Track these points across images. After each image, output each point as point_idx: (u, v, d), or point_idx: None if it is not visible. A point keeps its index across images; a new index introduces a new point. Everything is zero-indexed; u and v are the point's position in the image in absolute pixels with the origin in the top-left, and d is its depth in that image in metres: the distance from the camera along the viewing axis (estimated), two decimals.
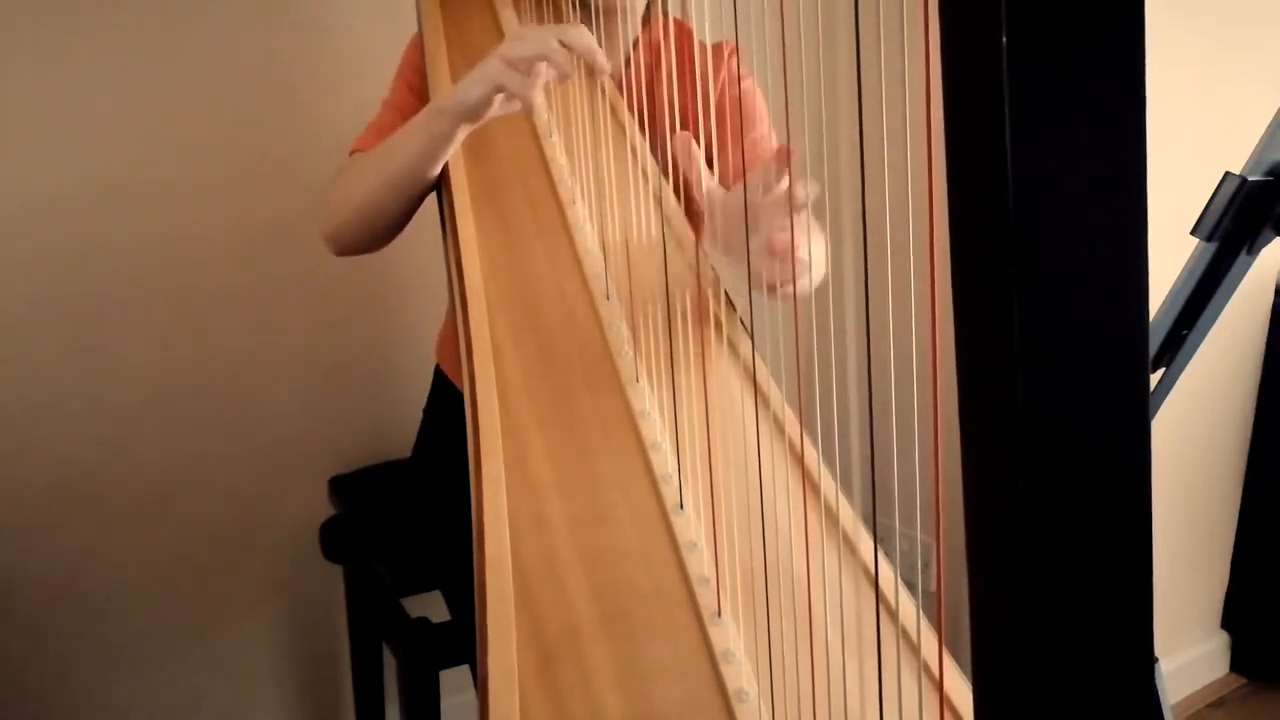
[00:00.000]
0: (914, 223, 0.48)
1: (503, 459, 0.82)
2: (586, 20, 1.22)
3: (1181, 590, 1.89)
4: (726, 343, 1.00)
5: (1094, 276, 0.34)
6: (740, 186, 0.89)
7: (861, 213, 0.59)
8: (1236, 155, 0.72)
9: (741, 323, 1.02)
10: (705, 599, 0.73)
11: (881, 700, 0.61)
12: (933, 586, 1.82)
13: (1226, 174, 0.69)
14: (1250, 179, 0.68)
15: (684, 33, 1.25)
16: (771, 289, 0.99)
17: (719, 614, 0.72)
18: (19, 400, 1.43)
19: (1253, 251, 0.71)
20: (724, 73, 1.25)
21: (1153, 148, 0.34)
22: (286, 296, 1.60)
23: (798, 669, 0.68)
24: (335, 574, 1.57)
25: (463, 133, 1.02)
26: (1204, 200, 0.70)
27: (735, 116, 1.21)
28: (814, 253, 1.10)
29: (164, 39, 1.46)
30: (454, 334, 0.99)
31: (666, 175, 1.12)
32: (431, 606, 1.33)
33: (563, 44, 0.95)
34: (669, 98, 1.12)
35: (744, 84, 1.24)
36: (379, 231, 1.13)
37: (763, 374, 0.95)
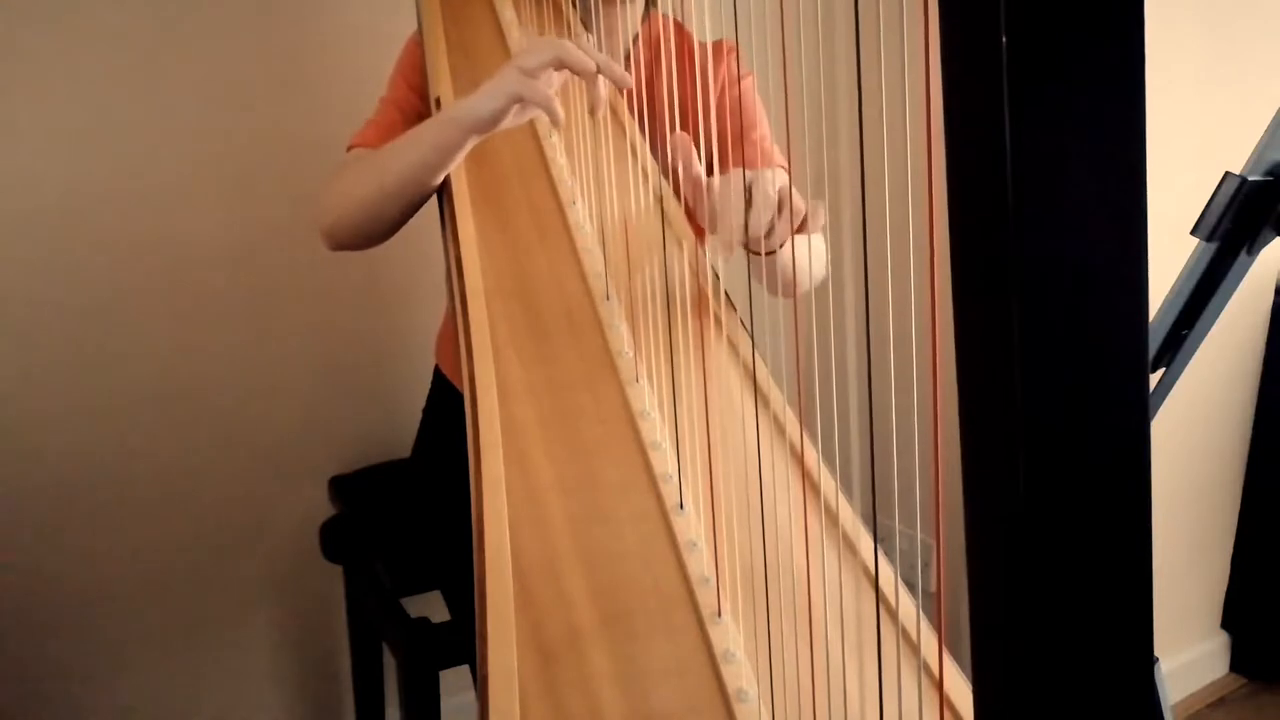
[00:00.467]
0: (914, 223, 0.48)
1: (502, 459, 0.82)
2: (586, 17, 1.22)
3: (1181, 590, 1.89)
4: (726, 342, 1.00)
5: (1094, 276, 0.34)
6: (735, 172, 0.89)
7: (862, 214, 0.59)
8: (1236, 155, 0.72)
9: (741, 323, 1.02)
10: (705, 599, 0.73)
11: (882, 700, 0.61)
12: (933, 586, 1.82)
13: (1226, 174, 0.69)
14: (1250, 179, 0.68)
15: (682, 32, 1.25)
16: (772, 280, 1.00)
17: (719, 614, 0.72)
18: (19, 400, 1.43)
19: (1253, 251, 0.70)
20: (723, 72, 1.25)
21: (1153, 148, 0.34)
22: (287, 297, 1.60)
23: (798, 669, 0.68)
24: (335, 574, 1.57)
25: (472, 143, 1.02)
26: (1204, 200, 0.70)
27: (736, 117, 1.21)
28: (814, 250, 1.10)
29: (164, 40, 1.46)
30: (454, 334, 0.99)
31: (666, 175, 1.12)
32: (431, 606, 1.33)
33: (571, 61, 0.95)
34: (669, 94, 1.12)
35: (743, 83, 1.24)
36: (376, 231, 1.13)
37: (763, 374, 0.95)
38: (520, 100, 0.96)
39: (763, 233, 0.89)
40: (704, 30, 1.25)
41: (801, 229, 0.90)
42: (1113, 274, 0.34)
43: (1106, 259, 0.34)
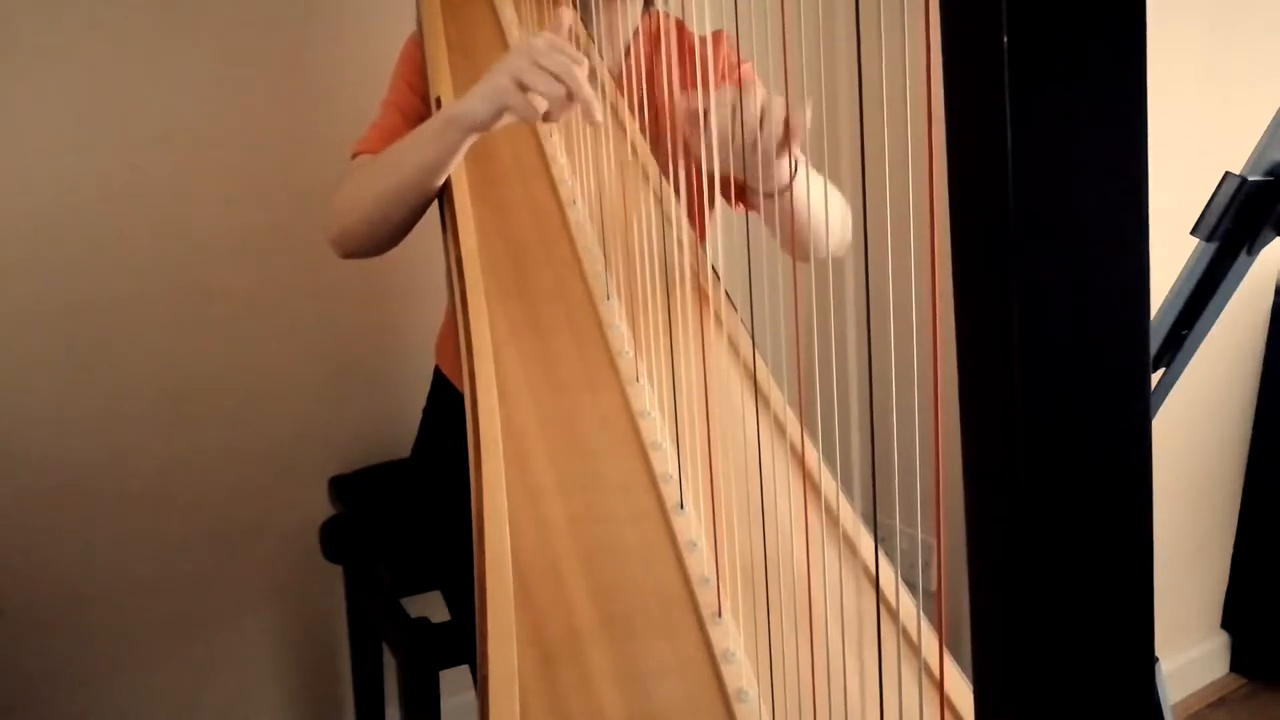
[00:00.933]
0: (915, 223, 0.48)
1: (503, 458, 0.82)
2: (586, 11, 1.22)
3: (1181, 590, 1.89)
4: (726, 342, 1.00)
5: (1094, 276, 0.34)
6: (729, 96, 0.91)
7: (862, 215, 0.59)
8: (1236, 155, 0.72)
9: (741, 322, 1.02)
10: (705, 599, 0.73)
11: (882, 700, 0.61)
12: (933, 586, 1.82)
13: (1226, 174, 0.69)
14: (1250, 179, 0.68)
15: (681, 28, 1.25)
16: (786, 232, 1.00)
17: (719, 614, 0.72)
18: (19, 400, 1.43)
19: (1253, 251, 0.70)
20: (722, 61, 1.25)
21: (1153, 147, 0.34)
22: (287, 297, 1.60)
23: (798, 668, 0.68)
24: (335, 574, 1.57)
25: (470, 142, 1.02)
26: (1204, 200, 0.70)
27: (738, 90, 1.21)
28: (830, 200, 1.09)
29: (165, 40, 1.46)
30: (454, 334, 0.99)
31: (667, 175, 1.12)
32: (431, 606, 1.33)
33: (564, 79, 0.95)
34: (668, 87, 1.12)
35: (743, 68, 1.24)
36: (384, 237, 1.13)
37: (763, 374, 0.95)
38: (508, 109, 0.96)
39: (755, 133, 0.90)
40: (704, 27, 1.25)
41: (789, 138, 0.91)
42: (1113, 274, 0.34)
43: (1107, 259, 0.34)
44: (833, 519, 0.82)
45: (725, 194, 1.10)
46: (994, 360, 0.34)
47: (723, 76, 1.25)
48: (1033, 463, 0.34)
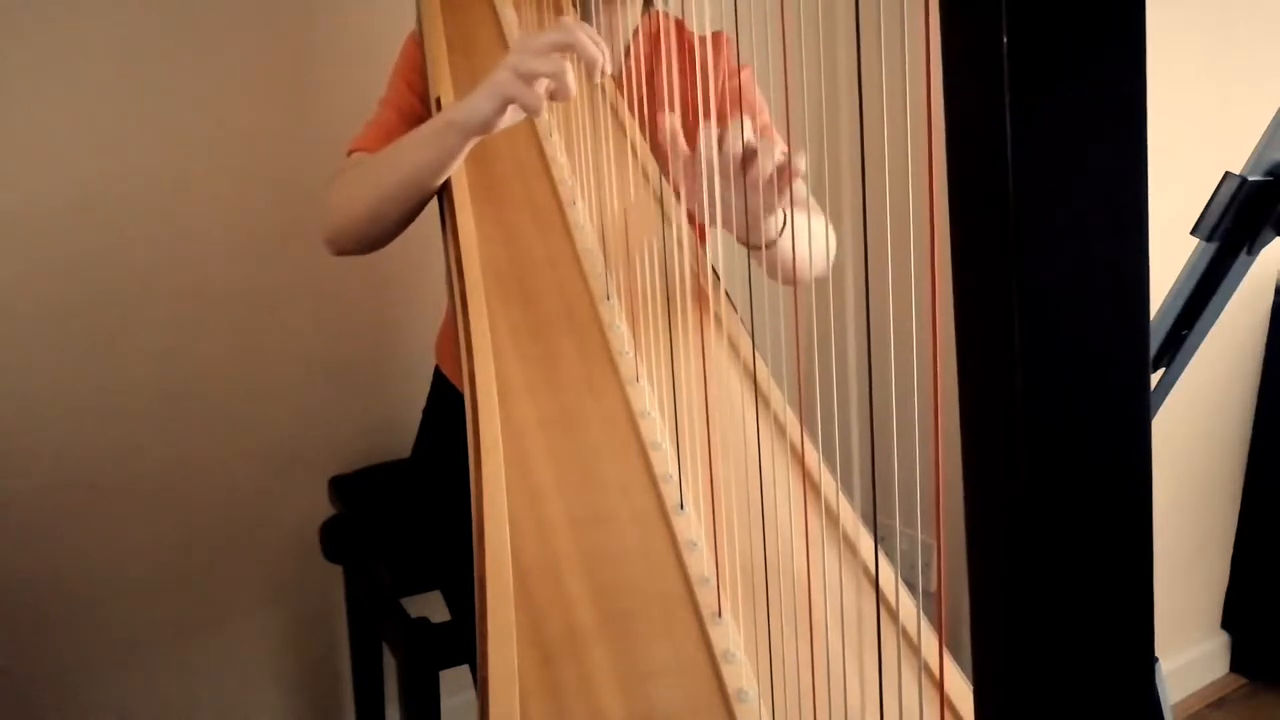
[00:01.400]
0: (915, 224, 0.48)
1: (503, 458, 0.82)
2: (586, 12, 1.22)
3: (1181, 590, 1.89)
4: (726, 342, 1.00)
5: (1094, 276, 0.34)
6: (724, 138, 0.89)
7: (863, 215, 0.59)
8: (1236, 155, 0.72)
9: (741, 322, 1.02)
10: (705, 599, 0.73)
11: (882, 700, 0.61)
12: (933, 586, 1.82)
13: (1226, 174, 0.69)
14: (1250, 179, 0.68)
15: (681, 28, 1.25)
16: (773, 269, 1.00)
17: (719, 614, 0.72)
18: (19, 400, 1.43)
19: (1253, 251, 0.71)
20: (723, 64, 1.25)
21: (1153, 147, 0.34)
22: (287, 297, 1.60)
23: (798, 669, 0.68)
24: (335, 574, 1.57)
25: (471, 145, 1.02)
26: (1204, 200, 0.70)
27: (736, 107, 1.21)
28: (814, 236, 1.10)
29: (165, 40, 1.46)
30: (454, 334, 0.99)
31: (667, 175, 1.12)
32: (431, 606, 1.33)
33: (564, 46, 0.95)
34: (668, 87, 1.12)
35: (743, 73, 1.24)
36: (378, 235, 1.13)
37: (763, 374, 0.95)
38: (512, 101, 0.96)
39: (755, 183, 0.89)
40: (704, 27, 1.25)
41: (786, 180, 0.90)
42: (1113, 274, 0.34)
43: (1107, 259, 0.34)
44: (833, 519, 0.82)
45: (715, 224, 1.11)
46: (994, 360, 0.34)
47: (722, 83, 1.25)
48: (1033, 463, 0.34)
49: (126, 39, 1.43)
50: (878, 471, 0.57)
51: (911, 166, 0.45)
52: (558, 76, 0.94)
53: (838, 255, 1.22)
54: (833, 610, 0.71)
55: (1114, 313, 0.34)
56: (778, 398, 0.92)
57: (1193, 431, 1.80)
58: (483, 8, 1.31)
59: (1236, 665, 1.98)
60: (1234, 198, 0.68)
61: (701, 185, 0.87)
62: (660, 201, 1.10)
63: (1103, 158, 0.33)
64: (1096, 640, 0.36)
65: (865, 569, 0.77)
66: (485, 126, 0.99)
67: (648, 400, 0.91)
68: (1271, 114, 0.69)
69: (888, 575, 0.78)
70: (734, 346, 0.99)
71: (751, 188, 0.89)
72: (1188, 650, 1.93)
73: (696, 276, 1.06)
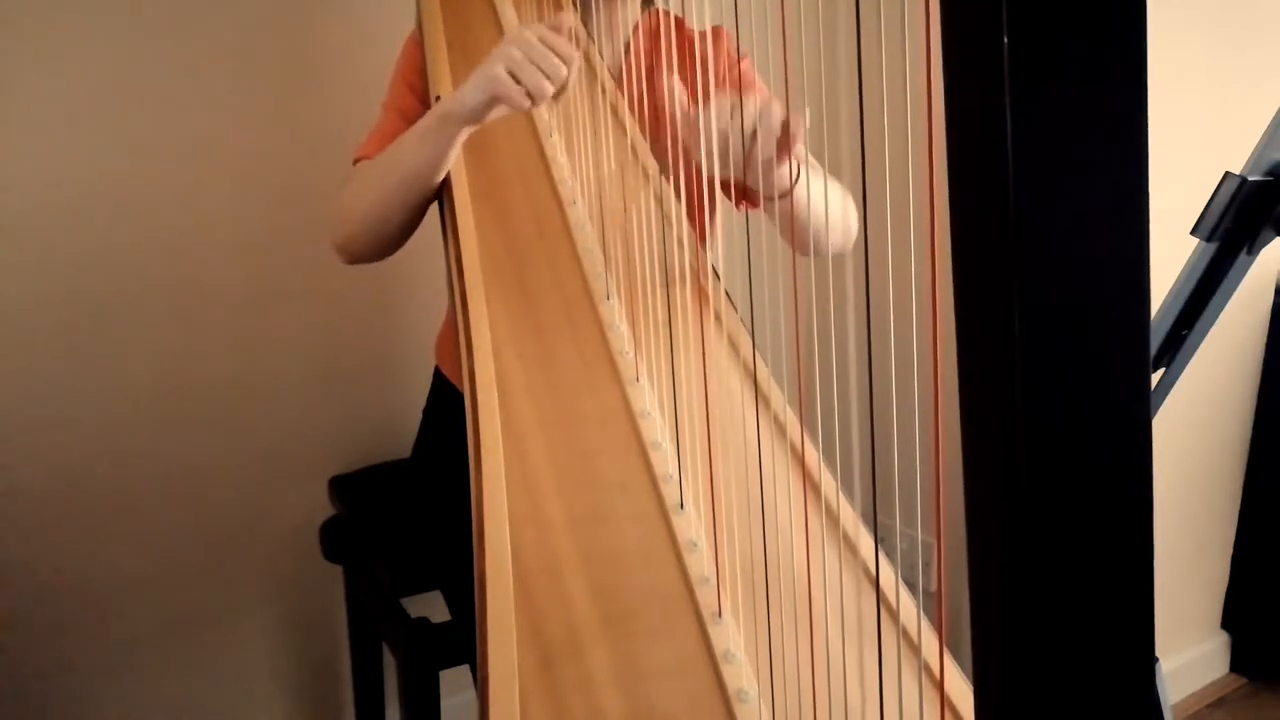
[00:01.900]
0: (915, 224, 0.48)
1: (503, 458, 0.82)
2: (586, 9, 1.22)
3: (1181, 590, 1.89)
4: (727, 342, 1.00)
5: (1094, 276, 0.34)
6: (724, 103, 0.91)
7: (863, 214, 0.59)
8: (1236, 155, 0.72)
9: (741, 322, 1.02)
10: (705, 599, 0.73)
11: (882, 700, 0.61)
12: (933, 586, 1.82)
13: (1226, 174, 0.69)
14: (1250, 179, 0.68)
15: (681, 25, 1.25)
16: (787, 229, 1.00)
17: (719, 614, 0.72)
18: (19, 400, 1.43)
19: (1253, 251, 0.71)
20: (723, 57, 1.25)
21: (1153, 147, 0.34)
22: (287, 297, 1.60)
23: (798, 669, 0.68)
24: (335, 574, 1.57)
25: (465, 135, 1.03)
26: (1204, 200, 0.70)
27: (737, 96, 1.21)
28: (832, 198, 1.09)
29: (165, 39, 1.46)
30: (454, 334, 0.99)
31: (667, 175, 1.12)
32: (431, 606, 1.33)
33: (552, 44, 0.95)
34: (669, 83, 1.12)
35: (743, 63, 1.24)
36: (387, 239, 1.14)
37: (763, 373, 0.95)
38: (499, 99, 0.97)
39: (753, 147, 0.89)
40: (704, 23, 1.25)
41: (788, 143, 0.91)
42: (1113, 274, 0.34)
43: (1107, 259, 0.34)
44: (833, 519, 0.82)
45: (726, 192, 1.10)
46: (994, 360, 0.34)
47: (723, 73, 1.25)
48: (1033, 463, 0.34)
49: (127, 39, 1.43)
50: (878, 471, 0.57)
51: (911, 167, 0.45)
52: (538, 93, 0.96)
53: (839, 255, 1.21)
54: (833, 610, 0.71)
55: (1114, 312, 0.34)
56: (778, 397, 0.92)
57: (1193, 431, 1.80)
58: (483, 7, 1.31)
59: (1236, 665, 1.98)
60: (1234, 198, 0.68)
61: (711, 141, 0.88)
62: (661, 201, 1.10)
63: (1103, 157, 0.33)
64: (1096, 640, 0.36)
65: (865, 569, 0.77)
66: (475, 117, 1.00)
67: (648, 400, 0.91)
68: (1271, 114, 0.69)
69: (888, 575, 0.78)
70: (734, 346, 0.99)
71: (768, 136, 0.90)
72: (1188, 650, 1.93)
73: (696, 276, 1.06)
